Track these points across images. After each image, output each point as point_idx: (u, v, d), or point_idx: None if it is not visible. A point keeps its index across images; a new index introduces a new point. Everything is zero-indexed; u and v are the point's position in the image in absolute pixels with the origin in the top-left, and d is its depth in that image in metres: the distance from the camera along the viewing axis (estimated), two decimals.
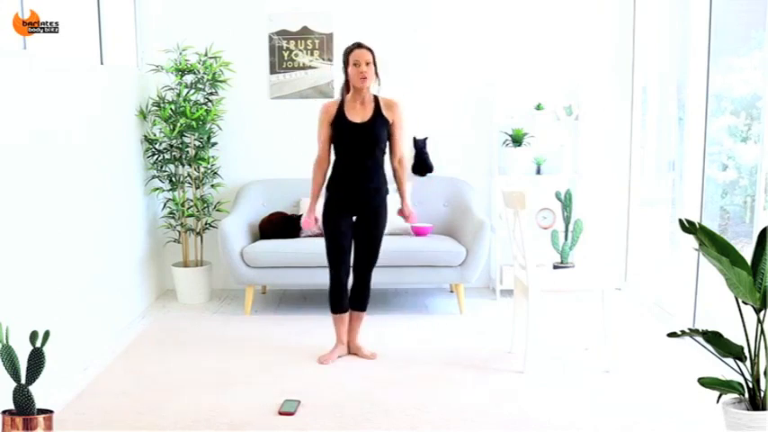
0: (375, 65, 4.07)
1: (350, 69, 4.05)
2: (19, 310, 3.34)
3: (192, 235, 5.66)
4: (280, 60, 5.78)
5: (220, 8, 5.74)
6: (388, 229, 5.40)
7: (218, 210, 5.69)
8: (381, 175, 4.17)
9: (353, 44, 4.11)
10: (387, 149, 4.19)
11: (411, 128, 5.75)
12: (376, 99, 4.12)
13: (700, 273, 4.44)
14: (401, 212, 4.31)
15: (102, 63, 4.80)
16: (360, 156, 4.08)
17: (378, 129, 4.08)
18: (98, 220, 4.53)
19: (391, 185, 4.27)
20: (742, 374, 2.91)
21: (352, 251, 4.21)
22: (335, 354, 4.27)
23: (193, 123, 5.35)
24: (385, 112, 4.10)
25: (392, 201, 4.29)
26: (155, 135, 5.45)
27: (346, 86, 4.14)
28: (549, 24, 5.72)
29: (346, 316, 4.30)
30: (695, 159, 4.51)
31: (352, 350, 4.32)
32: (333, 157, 4.19)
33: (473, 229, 5.14)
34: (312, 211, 4.25)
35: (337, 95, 4.26)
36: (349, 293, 4.28)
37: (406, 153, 4.23)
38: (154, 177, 5.52)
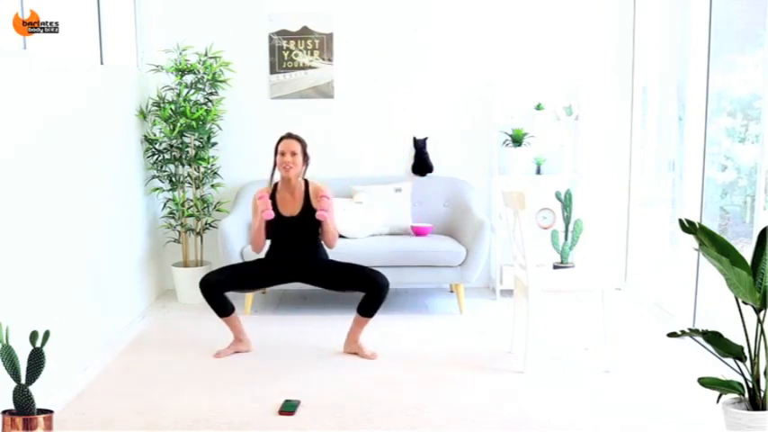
0: (305, 155, 4.19)
1: (278, 158, 4.17)
2: (19, 310, 3.34)
3: (192, 235, 5.66)
4: (280, 60, 5.78)
5: (220, 8, 5.74)
6: (388, 228, 5.45)
7: (218, 210, 5.69)
8: (319, 248, 4.28)
9: (284, 134, 4.25)
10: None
11: (410, 128, 5.79)
12: (306, 185, 4.22)
13: (700, 273, 4.44)
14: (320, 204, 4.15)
15: (102, 63, 4.80)
16: (293, 242, 4.22)
17: (308, 220, 4.18)
18: (98, 220, 4.53)
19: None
20: (742, 374, 2.91)
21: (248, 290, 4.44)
22: (232, 349, 4.33)
23: (193, 123, 5.35)
24: (313, 201, 4.19)
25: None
26: (155, 135, 5.45)
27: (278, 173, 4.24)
28: (549, 24, 5.72)
29: (234, 316, 4.31)
30: (695, 159, 4.51)
31: (353, 350, 4.31)
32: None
33: (473, 229, 5.14)
34: (257, 217, 4.18)
35: (276, 177, 4.32)
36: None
37: (336, 232, 4.25)
38: (154, 177, 5.52)
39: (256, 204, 4.16)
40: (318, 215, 4.10)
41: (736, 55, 4.63)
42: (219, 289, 4.23)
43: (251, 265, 4.37)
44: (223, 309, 4.26)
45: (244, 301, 5.31)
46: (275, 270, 4.29)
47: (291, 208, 4.19)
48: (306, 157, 4.21)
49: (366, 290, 4.20)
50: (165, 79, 5.58)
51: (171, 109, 5.36)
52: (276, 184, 4.26)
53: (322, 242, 4.28)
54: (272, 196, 4.20)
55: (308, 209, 4.18)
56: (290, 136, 4.22)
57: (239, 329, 4.34)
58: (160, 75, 5.58)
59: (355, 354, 4.29)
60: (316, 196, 4.18)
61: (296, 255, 4.24)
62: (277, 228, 4.20)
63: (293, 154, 4.13)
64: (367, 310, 4.23)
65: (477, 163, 5.84)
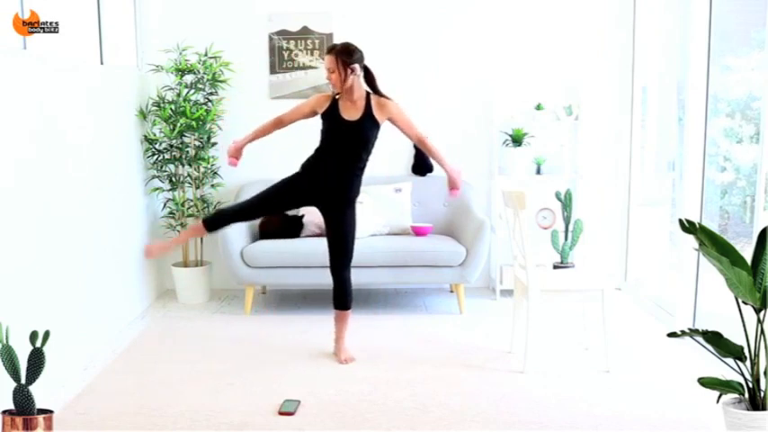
0: (342, 67, 4.01)
1: None
2: (19, 310, 3.34)
3: None
4: (280, 60, 5.78)
5: (220, 8, 5.74)
6: (388, 228, 5.45)
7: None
8: (356, 179, 4.17)
9: (328, 47, 4.16)
10: (372, 151, 4.18)
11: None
12: (368, 98, 4.11)
13: (700, 273, 4.44)
14: (451, 186, 4.19)
15: (102, 63, 4.80)
16: (343, 151, 4.08)
17: (366, 129, 4.08)
18: (98, 220, 4.53)
19: (363, 190, 4.29)
20: (742, 374, 2.91)
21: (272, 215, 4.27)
22: (163, 247, 4.34)
23: (193, 123, 5.35)
24: (375, 112, 4.10)
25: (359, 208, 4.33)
26: (155, 135, 5.45)
27: None
28: (549, 25, 5.72)
29: (202, 232, 4.26)
30: (695, 159, 4.51)
31: (334, 350, 4.30)
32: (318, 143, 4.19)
33: (473, 229, 5.14)
34: (241, 143, 4.23)
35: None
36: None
37: (424, 132, 4.20)
38: (154, 177, 5.52)
39: (311, 102, 4.18)
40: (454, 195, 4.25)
41: (730, 57, 4.64)
42: (238, 219, 4.26)
43: (287, 184, 4.19)
44: (218, 223, 4.22)
45: (244, 301, 5.32)
46: (310, 189, 4.15)
47: (352, 114, 4.09)
48: (345, 66, 4.01)
49: (333, 274, 4.22)
50: (165, 79, 5.58)
51: (171, 109, 5.36)
52: (339, 93, 4.15)
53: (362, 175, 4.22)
54: (335, 101, 4.12)
55: (368, 116, 4.08)
56: (329, 51, 4.10)
57: (187, 238, 4.32)
58: (160, 75, 5.58)
59: (334, 354, 4.26)
60: (378, 107, 4.10)
61: (337, 166, 4.09)
62: (336, 129, 4.09)
63: (330, 71, 4.04)
64: (338, 302, 4.24)
65: (477, 163, 5.84)
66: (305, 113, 4.19)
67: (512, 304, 4.48)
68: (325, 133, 4.14)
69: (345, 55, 4.02)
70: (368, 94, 4.12)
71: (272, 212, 4.20)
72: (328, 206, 4.17)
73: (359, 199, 5.36)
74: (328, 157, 4.11)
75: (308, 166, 4.17)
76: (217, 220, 4.24)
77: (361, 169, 4.17)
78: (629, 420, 3.41)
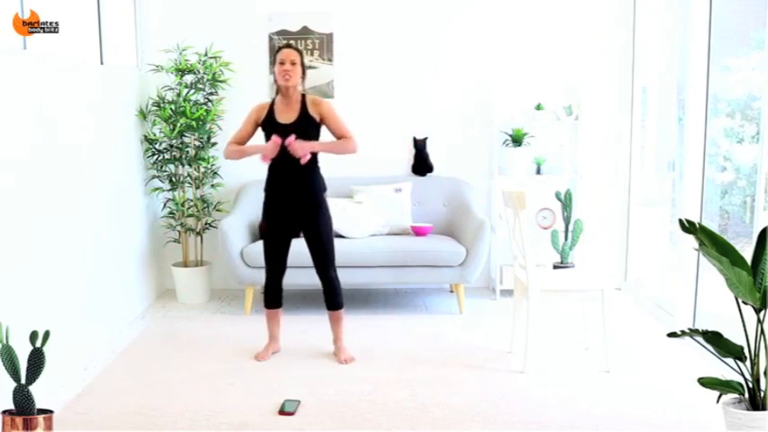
0: (303, 67, 4.12)
1: (276, 68, 4.10)
2: (19, 310, 3.34)
3: (192, 235, 5.66)
4: None
5: (220, 8, 5.74)
6: (388, 228, 5.45)
7: (218, 210, 5.69)
8: (315, 174, 4.19)
9: (283, 44, 4.23)
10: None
11: (410, 128, 5.80)
12: (303, 99, 4.15)
13: (700, 273, 4.44)
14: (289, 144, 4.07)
15: (102, 63, 4.80)
16: (290, 157, 4.06)
17: (304, 128, 4.10)
18: (98, 220, 4.53)
19: (330, 185, 4.31)
20: (742, 374, 2.91)
21: (289, 252, 4.28)
22: (269, 351, 4.30)
23: (193, 123, 5.35)
24: (311, 111, 4.13)
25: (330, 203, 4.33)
26: (155, 135, 5.45)
27: (277, 88, 4.18)
28: (549, 25, 5.72)
29: (279, 312, 4.34)
30: (695, 159, 4.51)
31: (334, 351, 4.31)
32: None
33: (473, 229, 5.14)
34: (256, 149, 4.14)
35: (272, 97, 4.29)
36: (280, 291, 4.35)
37: (353, 135, 4.19)
38: (154, 177, 5.52)
39: (267, 146, 4.06)
40: (302, 161, 4.06)
41: (730, 57, 4.65)
42: (281, 276, 4.29)
43: (267, 229, 4.26)
44: (271, 300, 4.31)
45: (244, 301, 5.32)
46: (282, 207, 4.17)
47: (287, 116, 4.12)
48: (304, 68, 4.15)
49: (319, 277, 4.25)
50: (165, 79, 5.58)
51: (171, 109, 5.36)
52: (273, 99, 4.20)
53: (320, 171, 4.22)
54: (271, 107, 4.17)
55: (304, 116, 4.11)
56: (289, 46, 4.17)
57: (275, 327, 4.35)
58: (160, 75, 5.58)
59: (334, 355, 4.27)
60: (313, 105, 4.13)
61: (293, 171, 4.09)
62: (274, 135, 4.10)
63: (293, 63, 4.06)
64: (330, 303, 4.26)
65: (477, 163, 5.84)
66: (250, 131, 4.21)
67: (512, 304, 4.48)
68: (268, 139, 4.14)
69: (303, 56, 4.16)
70: (303, 95, 4.17)
71: (285, 249, 4.24)
72: (301, 211, 4.17)
73: (358, 198, 5.40)
74: (277, 166, 4.14)
75: (267, 186, 4.22)
76: (272, 296, 4.31)
77: (314, 163, 4.18)
78: (629, 420, 3.41)
